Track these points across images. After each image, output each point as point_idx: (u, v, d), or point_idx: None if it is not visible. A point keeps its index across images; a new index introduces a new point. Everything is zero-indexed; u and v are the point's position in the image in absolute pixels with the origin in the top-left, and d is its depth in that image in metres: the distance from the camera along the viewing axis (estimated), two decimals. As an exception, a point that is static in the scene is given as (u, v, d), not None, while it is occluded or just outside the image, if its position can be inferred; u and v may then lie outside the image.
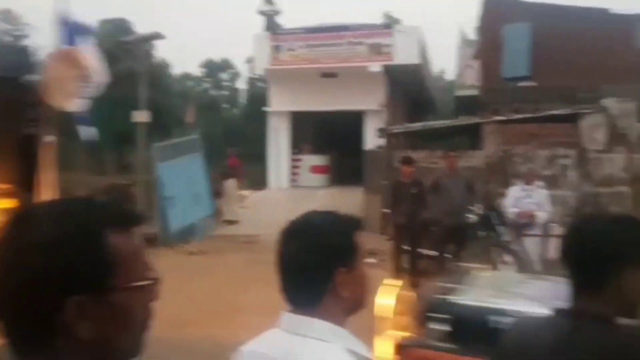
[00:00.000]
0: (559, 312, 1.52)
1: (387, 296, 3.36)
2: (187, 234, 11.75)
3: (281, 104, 17.66)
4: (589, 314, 1.44)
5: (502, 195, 8.53)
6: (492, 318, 3.12)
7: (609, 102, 10.59)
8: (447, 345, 3.22)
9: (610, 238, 1.44)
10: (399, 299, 3.39)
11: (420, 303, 3.47)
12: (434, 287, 3.86)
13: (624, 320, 1.44)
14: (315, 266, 1.28)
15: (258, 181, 18.18)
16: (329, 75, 16.78)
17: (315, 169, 18.08)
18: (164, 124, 19.74)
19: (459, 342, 3.20)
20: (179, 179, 12.05)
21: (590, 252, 1.46)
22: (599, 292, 1.44)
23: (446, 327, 3.27)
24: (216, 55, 37.88)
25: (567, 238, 1.55)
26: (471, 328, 3.21)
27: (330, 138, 18.83)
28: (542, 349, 1.48)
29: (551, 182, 9.50)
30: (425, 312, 3.38)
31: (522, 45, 14.57)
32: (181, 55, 42.17)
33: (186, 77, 37.31)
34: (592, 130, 10.42)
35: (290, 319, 1.30)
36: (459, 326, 3.26)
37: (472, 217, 8.01)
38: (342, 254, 1.31)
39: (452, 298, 3.52)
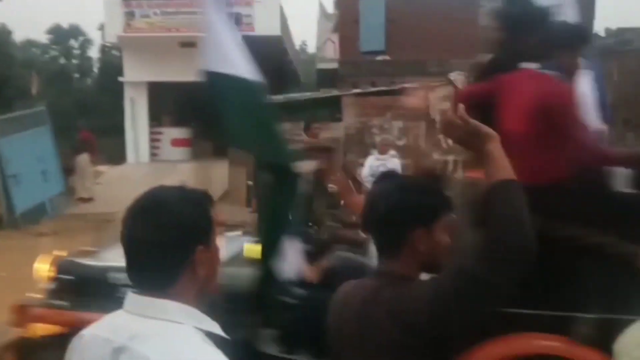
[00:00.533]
0: (370, 273, 1.64)
1: (45, 262, 3.69)
2: (35, 214, 10.91)
3: (137, 74, 16.80)
4: (390, 274, 1.55)
5: (361, 165, 8.90)
6: (110, 275, 3.55)
7: (455, 75, 11.36)
8: (59, 302, 3.58)
9: (399, 203, 1.55)
10: (52, 264, 3.67)
11: (56, 266, 3.75)
12: (74, 252, 4.17)
13: (424, 276, 1.57)
14: (173, 247, 1.23)
15: (116, 156, 17.26)
16: (187, 44, 16.19)
17: (177, 142, 17.53)
18: (5, 95, 17.99)
19: (76, 299, 3.55)
20: (24, 154, 11.09)
21: (384, 217, 1.56)
22: (397, 253, 1.55)
23: (67, 286, 3.66)
24: (64, 21, 34.97)
25: (364, 206, 1.67)
26: (86, 285, 3.63)
27: (192, 109, 18.30)
28: (352, 309, 1.58)
29: (405, 151, 10.07)
30: (57, 273, 3.69)
31: (378, 20, 15.11)
32: (24, 20, 38.40)
33: (30, 44, 34.19)
34: (440, 102, 11.15)
35: (136, 300, 1.24)
36: (77, 284, 3.65)
37: (333, 187, 8.26)
38: (201, 231, 1.27)
39: (77, 259, 3.86)
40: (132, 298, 1.25)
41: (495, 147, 1.46)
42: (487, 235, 1.41)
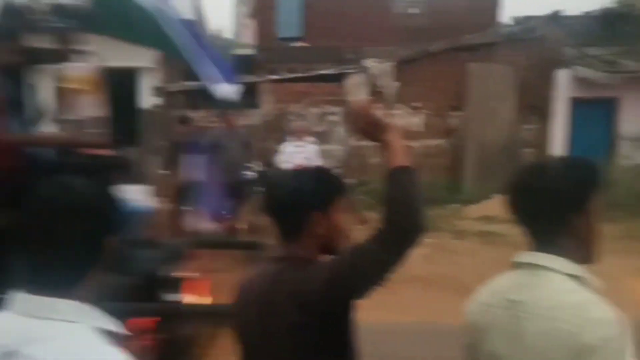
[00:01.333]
0: (272, 259, 1.70)
1: None
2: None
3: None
4: (290, 257, 1.63)
5: (278, 152, 8.88)
6: None
7: (370, 63, 11.56)
8: None
9: (296, 190, 1.64)
10: None
11: None
12: None
13: (324, 258, 1.64)
14: (87, 241, 1.15)
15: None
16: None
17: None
18: None
19: None
20: None
21: (283, 204, 1.65)
22: (297, 236, 1.63)
23: None
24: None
25: (264, 193, 1.74)
26: None
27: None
28: (253, 294, 1.65)
29: (321, 138, 10.15)
30: None
31: (295, 6, 15.06)
32: None
33: None
34: (355, 89, 11.32)
35: (26, 300, 1.14)
36: None
37: (250, 175, 8.22)
38: (111, 221, 1.21)
39: None
40: (21, 298, 1.16)
41: (394, 137, 1.57)
42: (383, 217, 1.50)
